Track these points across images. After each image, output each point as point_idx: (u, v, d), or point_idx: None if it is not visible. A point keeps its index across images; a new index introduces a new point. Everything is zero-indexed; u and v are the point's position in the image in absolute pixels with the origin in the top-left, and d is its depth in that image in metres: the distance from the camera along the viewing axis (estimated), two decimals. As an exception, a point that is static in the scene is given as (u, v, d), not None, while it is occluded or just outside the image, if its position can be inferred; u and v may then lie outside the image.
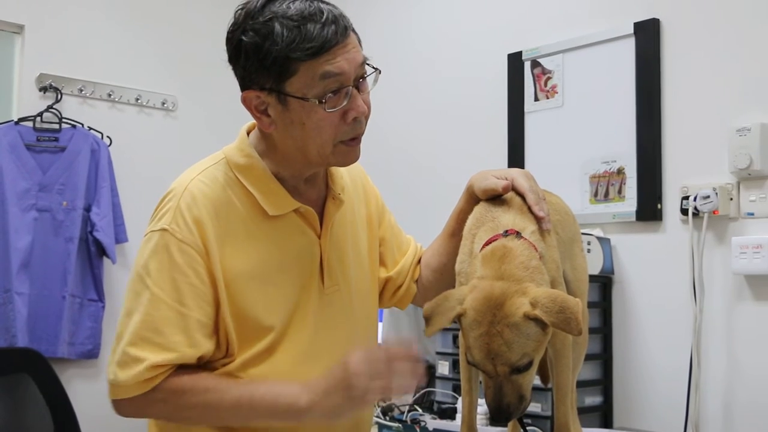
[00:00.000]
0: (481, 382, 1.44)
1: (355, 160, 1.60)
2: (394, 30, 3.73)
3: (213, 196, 1.55)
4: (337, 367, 1.44)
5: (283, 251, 1.59)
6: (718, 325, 2.58)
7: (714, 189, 2.55)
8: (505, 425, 1.57)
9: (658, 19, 2.78)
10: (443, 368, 2.92)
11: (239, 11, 1.52)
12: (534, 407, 2.55)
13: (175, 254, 1.51)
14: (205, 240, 1.52)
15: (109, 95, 3.78)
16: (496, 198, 1.59)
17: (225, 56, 1.56)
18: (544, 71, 3.10)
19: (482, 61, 3.34)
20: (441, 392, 2.92)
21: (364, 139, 1.59)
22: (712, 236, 2.60)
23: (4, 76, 3.62)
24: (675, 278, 2.66)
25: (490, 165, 3.18)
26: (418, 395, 3.09)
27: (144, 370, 1.48)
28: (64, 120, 3.57)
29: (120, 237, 3.60)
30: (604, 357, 2.80)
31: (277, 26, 1.45)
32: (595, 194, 2.91)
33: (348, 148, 1.56)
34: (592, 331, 2.69)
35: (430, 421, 2.80)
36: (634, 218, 2.79)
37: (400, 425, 2.80)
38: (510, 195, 1.58)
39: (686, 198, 2.62)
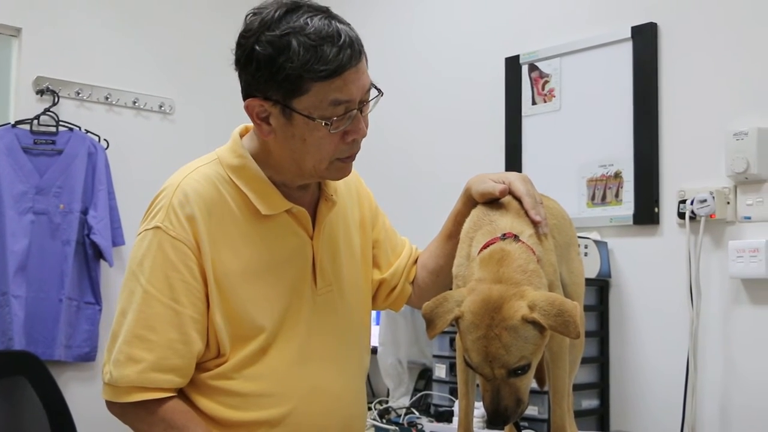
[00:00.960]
0: (478, 385, 1.44)
1: (347, 175, 1.62)
2: (393, 33, 3.73)
3: (205, 194, 1.56)
4: None
5: (275, 252, 1.60)
6: (714, 329, 2.58)
7: (711, 193, 2.55)
8: (503, 428, 1.57)
9: (656, 23, 2.78)
10: (440, 371, 2.92)
11: (253, 18, 1.50)
12: (531, 410, 2.55)
13: (169, 252, 1.52)
14: (197, 237, 1.53)
15: (107, 98, 3.78)
16: (493, 201, 1.59)
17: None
18: (542, 75, 3.11)
19: (480, 65, 3.34)
20: (438, 395, 2.92)
21: (362, 141, 1.60)
22: (709, 240, 2.60)
23: (1, 79, 3.62)
24: (672, 282, 2.66)
25: (488, 168, 3.18)
26: (415, 398, 3.09)
27: (138, 375, 1.49)
28: (61, 123, 3.56)
29: (117, 240, 3.60)
30: (600, 360, 2.80)
31: (294, 43, 1.44)
32: (593, 198, 2.92)
33: (343, 164, 1.57)
34: (589, 334, 2.70)
35: (427, 424, 2.81)
36: (631, 222, 2.79)
37: (396, 428, 2.81)
38: (507, 198, 1.58)
39: (683, 202, 2.63)
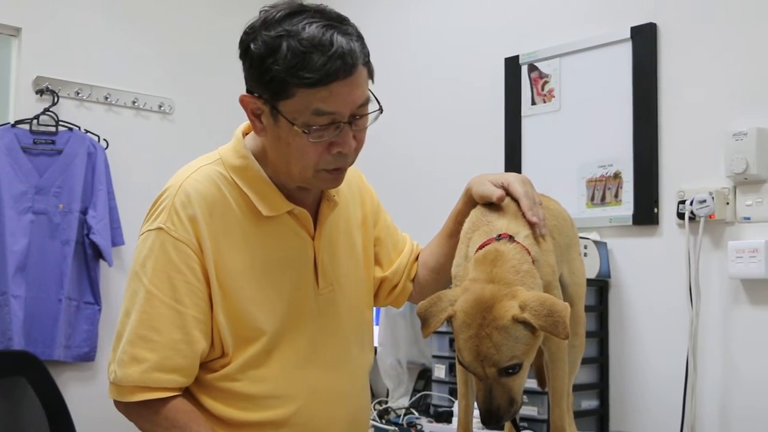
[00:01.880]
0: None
1: (337, 186, 1.61)
2: (392, 34, 3.73)
3: (207, 194, 1.56)
4: None
5: (277, 252, 1.60)
6: (714, 329, 2.58)
7: (710, 193, 2.55)
8: (498, 428, 1.57)
9: (655, 24, 2.78)
10: (439, 371, 2.92)
11: (261, 14, 1.50)
12: (530, 410, 2.55)
13: (171, 252, 1.52)
14: (199, 237, 1.54)
15: (106, 98, 3.77)
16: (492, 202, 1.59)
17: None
18: (541, 75, 3.11)
19: (479, 65, 3.34)
20: (437, 395, 2.92)
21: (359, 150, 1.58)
22: (709, 240, 2.60)
23: (1, 79, 3.61)
24: (671, 282, 2.66)
25: (488, 169, 3.19)
26: (414, 398, 3.09)
27: (141, 375, 1.50)
28: (60, 123, 3.56)
29: (116, 240, 3.59)
30: (600, 361, 2.80)
31: (284, 46, 1.43)
32: (592, 198, 2.92)
33: (330, 176, 1.55)
34: (588, 334, 2.69)
35: (427, 424, 2.81)
36: (630, 222, 2.79)
37: (396, 428, 2.81)
38: (507, 199, 1.58)
39: (683, 202, 2.63)
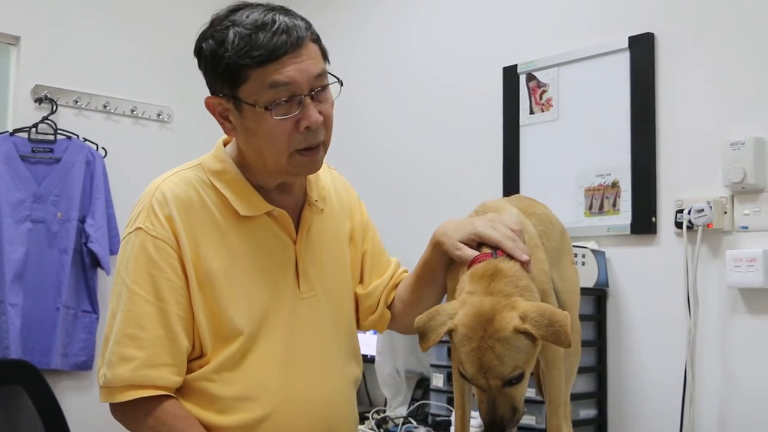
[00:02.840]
0: (474, 395, 1.45)
1: (316, 170, 1.62)
2: (391, 42, 3.74)
3: (183, 195, 1.58)
4: None
5: (256, 253, 1.61)
6: (712, 339, 2.58)
7: (708, 202, 2.55)
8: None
9: (653, 34, 2.79)
10: (437, 381, 2.91)
11: (212, 17, 1.57)
12: (528, 419, 2.55)
13: (151, 251, 1.54)
14: (177, 236, 1.55)
15: (105, 106, 3.78)
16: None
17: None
18: (540, 84, 3.11)
19: (478, 74, 3.35)
20: (435, 404, 2.92)
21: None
22: (707, 249, 2.60)
23: (0, 87, 3.62)
24: (669, 291, 2.66)
25: (486, 178, 3.21)
26: (412, 407, 3.09)
27: (131, 373, 1.50)
28: (59, 131, 3.57)
29: (114, 248, 3.59)
30: (598, 370, 2.80)
31: (231, 34, 1.50)
32: (590, 207, 2.92)
33: (304, 158, 1.56)
34: (586, 343, 2.69)
35: (425, 434, 2.80)
36: (628, 231, 2.79)
37: (394, 438, 2.80)
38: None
39: (680, 211, 2.63)
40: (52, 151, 3.53)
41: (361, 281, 1.83)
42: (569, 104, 3.02)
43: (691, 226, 2.59)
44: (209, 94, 1.61)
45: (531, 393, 1.81)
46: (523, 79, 3.17)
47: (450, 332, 1.39)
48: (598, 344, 2.80)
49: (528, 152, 3.14)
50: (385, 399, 3.28)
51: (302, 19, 1.55)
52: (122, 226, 3.53)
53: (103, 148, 3.67)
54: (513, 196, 1.83)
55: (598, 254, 2.79)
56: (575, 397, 2.47)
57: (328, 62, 1.58)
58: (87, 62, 3.75)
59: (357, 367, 1.78)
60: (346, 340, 1.74)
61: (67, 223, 3.50)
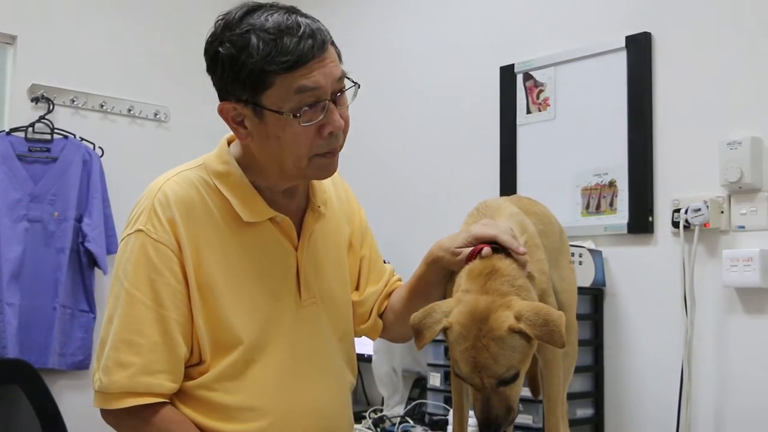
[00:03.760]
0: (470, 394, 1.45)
1: (333, 173, 1.59)
2: (387, 42, 3.74)
3: (186, 197, 1.55)
4: None
5: (257, 260, 1.59)
6: (709, 338, 2.58)
7: (705, 202, 2.56)
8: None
9: (650, 33, 2.79)
10: (434, 380, 2.91)
11: (219, 22, 1.52)
12: (525, 419, 2.55)
13: (151, 254, 1.52)
14: (179, 239, 1.53)
15: (102, 106, 3.78)
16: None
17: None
18: (537, 84, 3.11)
19: (475, 74, 3.35)
20: (432, 404, 2.92)
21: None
22: (703, 249, 2.61)
23: (-3, 87, 3.62)
24: (666, 291, 2.66)
25: (483, 177, 3.21)
26: (409, 407, 3.09)
27: (128, 380, 1.48)
28: (55, 130, 3.56)
29: (111, 248, 3.59)
30: (595, 369, 2.80)
31: (254, 38, 1.44)
32: (587, 207, 2.92)
33: (325, 160, 1.54)
34: (583, 343, 2.70)
35: (422, 433, 2.80)
36: (625, 231, 2.80)
37: (391, 437, 2.80)
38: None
39: (677, 211, 2.63)
40: (48, 150, 3.53)
41: (356, 287, 1.82)
42: (566, 104, 3.03)
43: (688, 226, 2.60)
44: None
45: (527, 392, 1.82)
46: (520, 78, 3.17)
47: (445, 330, 1.39)
48: (594, 344, 2.80)
49: (525, 152, 3.14)
50: (382, 398, 3.28)
51: (315, 20, 1.52)
52: (119, 225, 3.56)
53: (99, 147, 3.66)
54: (513, 196, 1.83)
55: (595, 254, 2.80)
56: (572, 397, 2.47)
57: (342, 63, 1.55)
58: (84, 61, 3.75)
59: (352, 375, 1.77)
60: (344, 347, 1.73)
61: (64, 222, 3.50)
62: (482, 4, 3.38)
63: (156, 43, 3.96)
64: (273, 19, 1.46)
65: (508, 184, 3.14)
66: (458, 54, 3.44)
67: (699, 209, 2.56)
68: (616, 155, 2.84)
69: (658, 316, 2.70)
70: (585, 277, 2.72)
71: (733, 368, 2.53)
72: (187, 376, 1.56)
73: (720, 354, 2.55)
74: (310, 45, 1.45)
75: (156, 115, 3.94)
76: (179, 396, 1.56)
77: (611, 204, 2.85)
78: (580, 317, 1.77)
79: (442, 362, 2.87)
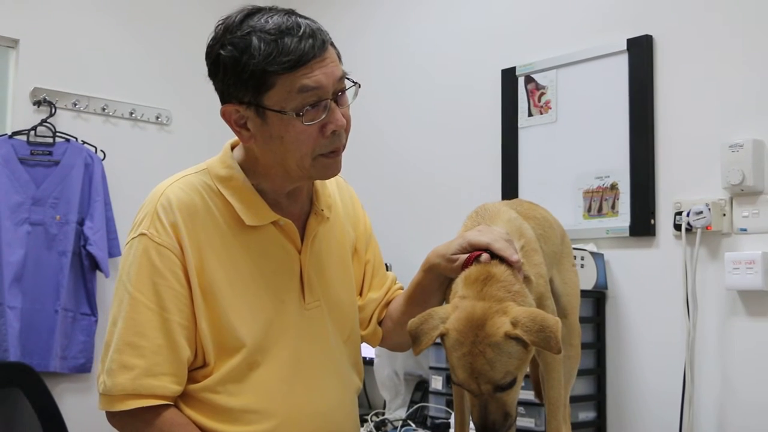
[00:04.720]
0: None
1: (337, 173, 1.59)
2: (390, 45, 3.74)
3: (189, 202, 1.56)
4: None
5: (260, 263, 1.59)
6: (711, 341, 2.58)
7: (707, 205, 2.56)
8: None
9: (651, 36, 2.79)
10: (436, 383, 2.91)
11: (219, 25, 1.53)
12: (527, 422, 2.55)
13: (155, 258, 1.52)
14: (181, 243, 1.53)
15: (103, 109, 3.78)
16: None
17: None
18: (538, 87, 3.11)
19: (476, 76, 3.35)
20: (434, 407, 2.92)
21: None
22: (705, 252, 2.60)
23: (-1, 90, 3.63)
24: (668, 293, 2.66)
25: (485, 180, 3.21)
26: (411, 410, 3.09)
27: (132, 382, 1.48)
28: (58, 134, 3.57)
29: (113, 251, 3.59)
30: (597, 372, 2.80)
31: (255, 40, 1.46)
32: (589, 209, 2.92)
33: (328, 160, 1.54)
34: (585, 346, 2.69)
35: (423, 437, 2.80)
36: (627, 233, 2.79)
37: (393, 440, 2.80)
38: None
39: (679, 213, 2.63)
40: (50, 153, 3.53)
41: (360, 292, 1.82)
42: (568, 106, 3.03)
43: (690, 229, 2.60)
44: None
45: (530, 395, 1.81)
46: (521, 81, 3.17)
47: (442, 336, 1.39)
48: (596, 346, 2.80)
49: (526, 155, 3.14)
50: (384, 401, 3.28)
51: (314, 21, 1.54)
52: (121, 228, 3.57)
53: (101, 150, 3.66)
54: (513, 200, 1.82)
55: (597, 256, 2.80)
56: (574, 400, 2.47)
57: (342, 64, 1.56)
58: (86, 65, 3.75)
59: (358, 378, 1.77)
60: (349, 350, 1.73)
61: (66, 225, 3.50)
62: (484, 8, 3.38)
63: (158, 46, 3.96)
64: (273, 21, 1.47)
65: (509, 187, 3.14)
66: (460, 57, 3.44)
67: (701, 212, 2.55)
68: (618, 158, 2.84)
69: (660, 319, 2.70)
70: (587, 280, 2.72)
71: (735, 371, 2.53)
72: (191, 379, 1.56)
73: (722, 357, 2.55)
74: (311, 44, 1.46)
75: (158, 118, 3.94)
76: (183, 399, 1.56)
77: (613, 207, 2.85)
78: (581, 320, 1.77)
79: (443, 365, 2.87)
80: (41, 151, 3.52)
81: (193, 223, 1.54)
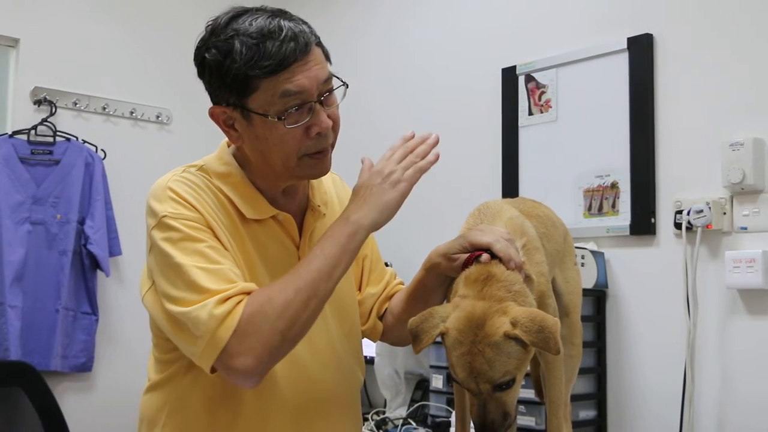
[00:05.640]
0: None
1: (325, 173, 1.60)
2: (390, 43, 3.74)
3: (191, 193, 1.54)
4: (359, 178, 1.54)
5: (260, 257, 1.59)
6: (711, 339, 2.58)
7: (707, 203, 2.56)
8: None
9: (652, 35, 2.79)
10: (437, 382, 2.91)
11: (207, 27, 1.54)
12: (528, 421, 2.55)
13: (185, 229, 1.47)
14: (203, 215, 1.50)
15: (104, 108, 3.78)
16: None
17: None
18: (538, 85, 3.11)
19: (477, 75, 3.35)
20: (435, 406, 2.92)
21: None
22: (706, 250, 2.60)
23: (-1, 89, 3.63)
24: (669, 292, 2.66)
25: (485, 179, 3.21)
26: (412, 409, 3.09)
27: (215, 305, 1.40)
28: (58, 133, 3.57)
29: (114, 250, 3.59)
30: (598, 371, 2.80)
31: (237, 44, 1.46)
32: (589, 208, 2.92)
33: (314, 161, 1.55)
34: (585, 344, 2.68)
35: (424, 435, 2.80)
36: (627, 232, 2.80)
37: (393, 439, 2.80)
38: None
39: (680, 212, 2.63)
40: (51, 153, 3.53)
41: (358, 287, 1.83)
42: (568, 105, 3.03)
43: (690, 227, 2.60)
44: (208, 99, 1.58)
45: (531, 394, 1.82)
46: (522, 80, 3.17)
47: (442, 335, 1.39)
48: (597, 345, 2.80)
49: (527, 153, 3.14)
50: (385, 400, 3.28)
51: (303, 22, 1.53)
52: (122, 227, 3.57)
53: (102, 149, 3.67)
54: (516, 198, 1.83)
55: (598, 255, 2.80)
56: (574, 398, 2.47)
57: (331, 63, 1.56)
58: (86, 64, 3.75)
59: (361, 372, 1.77)
60: (351, 344, 1.73)
61: (67, 225, 3.50)
62: (484, 7, 3.38)
63: (158, 45, 3.96)
64: (256, 24, 1.47)
65: (510, 186, 3.14)
66: (460, 56, 3.44)
67: (701, 210, 2.56)
68: (618, 157, 2.84)
69: (660, 317, 2.70)
70: (587, 278, 2.72)
71: (735, 369, 2.53)
72: (196, 372, 1.54)
73: (723, 355, 2.55)
74: (292, 48, 1.46)
75: (158, 117, 3.95)
76: (182, 388, 1.56)
77: (613, 205, 2.85)
78: (582, 319, 1.77)
79: (444, 364, 2.87)
80: (42, 151, 3.52)
81: (204, 208, 1.53)
